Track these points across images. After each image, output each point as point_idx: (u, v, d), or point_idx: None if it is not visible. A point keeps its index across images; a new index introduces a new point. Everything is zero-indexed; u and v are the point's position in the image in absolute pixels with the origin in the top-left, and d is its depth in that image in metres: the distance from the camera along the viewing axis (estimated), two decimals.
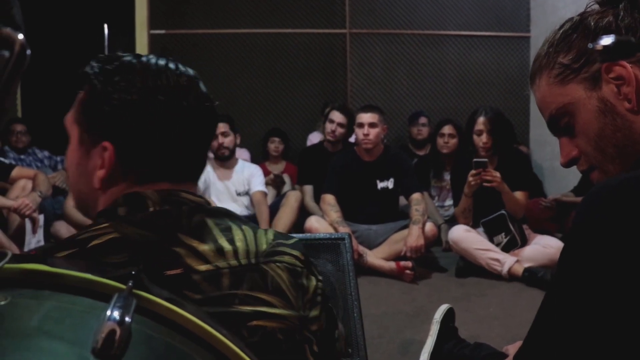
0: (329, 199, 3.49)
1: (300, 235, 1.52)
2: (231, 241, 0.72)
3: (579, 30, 0.79)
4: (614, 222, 0.62)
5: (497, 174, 3.15)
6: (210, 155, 3.97)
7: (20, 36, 0.40)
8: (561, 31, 0.82)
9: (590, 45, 0.77)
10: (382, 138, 3.59)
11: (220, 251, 0.70)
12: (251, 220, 3.65)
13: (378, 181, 3.57)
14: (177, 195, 0.75)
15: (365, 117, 3.49)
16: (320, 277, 0.79)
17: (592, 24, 0.78)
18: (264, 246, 0.74)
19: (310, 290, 0.76)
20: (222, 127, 3.71)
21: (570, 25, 0.81)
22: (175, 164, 0.77)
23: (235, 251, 0.71)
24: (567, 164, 0.84)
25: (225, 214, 0.77)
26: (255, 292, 0.70)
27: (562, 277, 0.67)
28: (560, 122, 0.82)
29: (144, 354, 0.48)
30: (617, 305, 0.61)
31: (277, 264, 0.73)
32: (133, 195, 0.74)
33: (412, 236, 3.20)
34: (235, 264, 0.70)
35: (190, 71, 0.80)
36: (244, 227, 0.76)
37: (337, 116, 3.97)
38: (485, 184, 3.13)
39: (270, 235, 0.77)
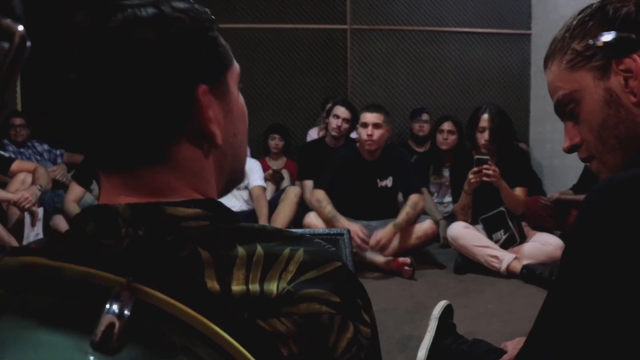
0: (318, 194, 3.40)
1: (300, 231, 1.51)
2: (226, 284, 0.52)
3: (596, 18, 0.78)
4: (617, 220, 0.61)
5: (496, 169, 3.14)
6: None
7: (21, 27, 0.40)
8: (579, 17, 0.80)
9: (590, 42, 0.76)
10: (386, 140, 3.44)
11: (204, 297, 0.51)
12: (250, 215, 3.66)
13: (379, 180, 3.53)
14: (159, 211, 0.55)
15: (370, 117, 3.34)
16: (364, 323, 0.56)
17: (611, 12, 0.76)
18: (273, 291, 0.52)
19: (340, 348, 0.54)
20: None
21: (589, 11, 0.79)
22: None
23: (225, 298, 0.51)
24: (569, 150, 0.84)
25: (238, 237, 0.55)
26: None
27: (565, 274, 0.66)
28: (566, 108, 0.82)
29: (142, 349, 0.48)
30: (620, 303, 0.61)
31: (283, 318, 0.51)
32: (100, 210, 0.56)
33: (386, 231, 3.20)
34: None
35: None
36: (256, 256, 0.54)
37: (342, 111, 3.88)
38: (485, 179, 3.12)
39: (292, 268, 0.54)
